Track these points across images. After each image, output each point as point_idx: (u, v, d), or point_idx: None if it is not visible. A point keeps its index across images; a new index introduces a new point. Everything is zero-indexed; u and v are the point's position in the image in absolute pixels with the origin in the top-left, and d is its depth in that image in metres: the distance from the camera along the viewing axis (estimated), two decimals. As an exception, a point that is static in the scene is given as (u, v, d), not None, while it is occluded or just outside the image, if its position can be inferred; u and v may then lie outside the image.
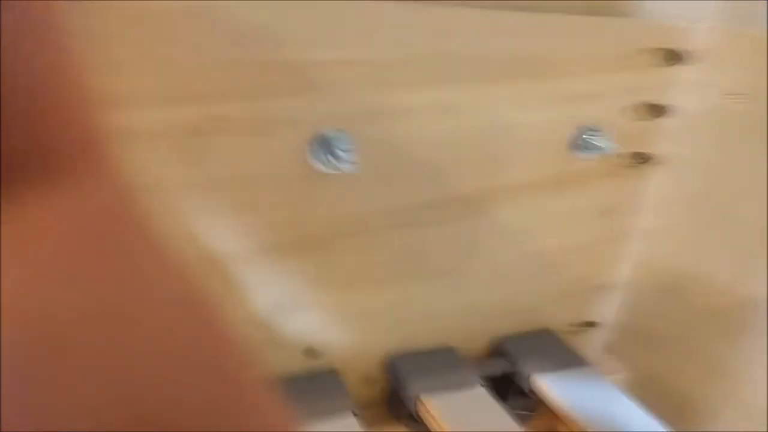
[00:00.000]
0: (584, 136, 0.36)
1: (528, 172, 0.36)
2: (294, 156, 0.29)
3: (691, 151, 0.40)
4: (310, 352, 0.36)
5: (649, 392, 0.44)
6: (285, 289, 0.33)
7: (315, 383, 0.35)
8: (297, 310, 0.34)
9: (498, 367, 0.40)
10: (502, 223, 0.37)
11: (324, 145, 0.29)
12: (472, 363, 0.39)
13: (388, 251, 0.35)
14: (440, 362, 0.38)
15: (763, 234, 0.36)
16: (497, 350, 0.41)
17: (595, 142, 0.36)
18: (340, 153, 0.28)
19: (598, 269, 0.43)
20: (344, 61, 0.28)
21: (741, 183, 0.37)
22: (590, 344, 0.46)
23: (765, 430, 0.33)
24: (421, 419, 0.36)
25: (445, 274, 0.37)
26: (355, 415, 0.34)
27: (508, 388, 0.40)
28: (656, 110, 0.38)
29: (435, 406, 0.35)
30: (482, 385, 0.37)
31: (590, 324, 0.45)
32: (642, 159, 0.39)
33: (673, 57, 0.37)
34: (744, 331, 0.38)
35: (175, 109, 0.26)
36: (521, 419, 0.40)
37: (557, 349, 0.41)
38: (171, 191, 0.27)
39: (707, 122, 0.38)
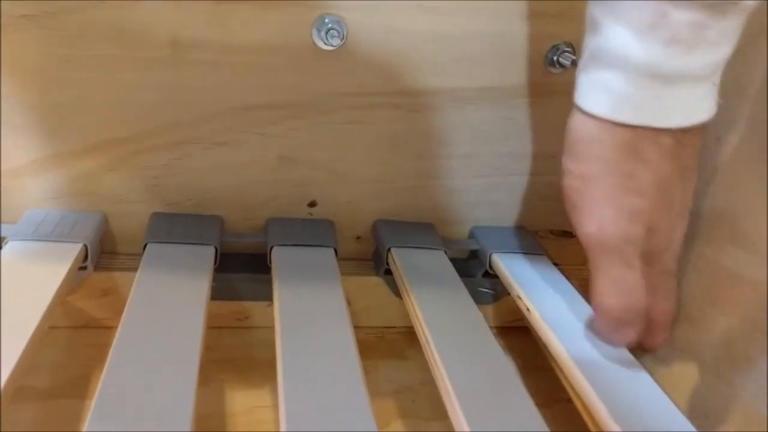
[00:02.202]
0: (560, 52, 0.42)
1: (502, 78, 0.42)
2: (301, 32, 0.38)
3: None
4: (313, 205, 0.45)
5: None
6: (292, 144, 0.42)
7: (313, 224, 0.45)
8: (302, 164, 0.43)
9: (464, 245, 0.47)
10: (476, 121, 0.44)
11: (323, 25, 0.37)
12: (443, 237, 0.47)
13: (377, 127, 0.43)
14: (416, 230, 0.46)
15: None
16: (471, 235, 0.48)
17: (569, 59, 0.41)
18: (333, 32, 0.37)
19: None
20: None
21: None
22: (567, 253, 0.51)
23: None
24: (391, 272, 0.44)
25: (424, 157, 0.45)
26: (335, 251, 0.43)
27: (479, 270, 0.48)
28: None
29: (399, 256, 0.43)
30: (444, 251, 0.45)
31: (568, 234, 0.51)
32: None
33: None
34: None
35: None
36: (484, 296, 0.48)
37: (523, 241, 0.47)
38: (204, 45, 0.37)
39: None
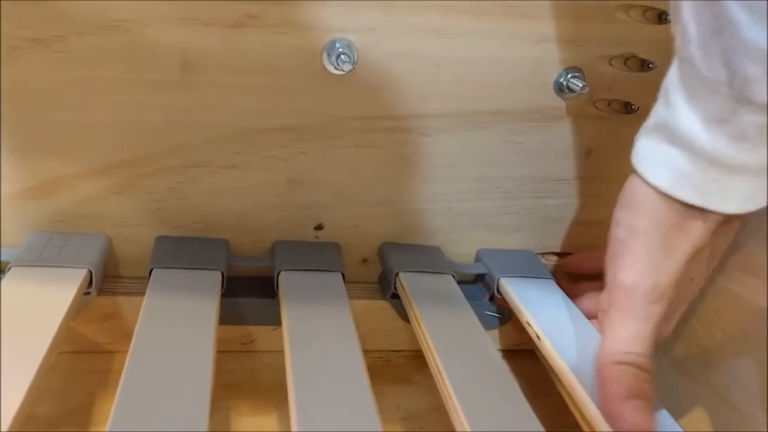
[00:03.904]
0: (569, 77, 0.42)
1: (511, 103, 0.43)
2: (311, 56, 0.38)
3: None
4: (320, 228, 0.45)
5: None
6: (301, 167, 0.42)
7: (320, 248, 0.45)
8: (310, 187, 0.43)
9: (472, 269, 0.47)
10: (484, 145, 0.44)
11: (333, 50, 0.37)
12: (450, 261, 0.47)
13: (385, 150, 0.43)
14: (424, 254, 0.46)
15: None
16: (478, 258, 0.48)
17: (578, 84, 0.41)
18: (344, 57, 0.37)
19: (583, 205, 0.48)
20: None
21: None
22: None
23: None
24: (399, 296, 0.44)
25: (432, 180, 0.45)
26: (343, 275, 0.42)
27: (485, 293, 0.47)
28: (644, 64, 0.43)
29: (407, 280, 0.43)
30: (453, 276, 0.44)
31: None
32: (628, 109, 0.45)
33: (662, 17, 0.42)
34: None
35: (221, 6, 0.36)
36: (490, 320, 0.47)
37: (530, 265, 0.47)
38: (215, 68, 0.37)
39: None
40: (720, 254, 0.37)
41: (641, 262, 0.33)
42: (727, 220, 0.33)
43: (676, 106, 0.31)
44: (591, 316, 0.41)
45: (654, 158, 0.32)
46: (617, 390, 0.31)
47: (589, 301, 0.42)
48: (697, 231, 0.32)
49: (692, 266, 0.34)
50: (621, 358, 0.32)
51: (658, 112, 0.33)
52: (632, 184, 0.34)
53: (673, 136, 0.31)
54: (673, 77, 0.31)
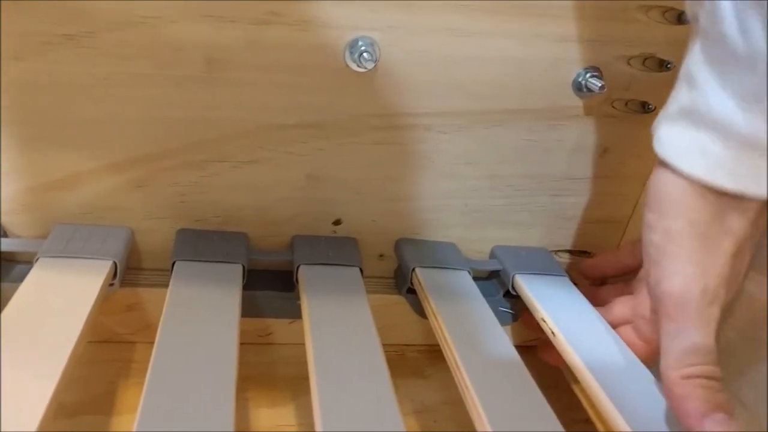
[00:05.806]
0: (587, 77, 0.42)
1: (529, 101, 0.43)
2: (333, 54, 0.38)
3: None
4: (338, 223, 0.46)
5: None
6: (320, 163, 0.43)
7: (338, 242, 0.45)
8: (329, 183, 0.44)
9: (488, 265, 0.48)
10: (501, 143, 0.44)
11: (356, 48, 0.38)
12: (466, 257, 0.47)
13: (403, 148, 0.43)
14: (439, 250, 0.47)
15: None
16: (492, 255, 0.49)
17: (596, 84, 0.42)
18: (366, 55, 0.37)
19: (598, 203, 0.49)
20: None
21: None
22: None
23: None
24: (415, 291, 0.45)
25: (448, 177, 0.45)
26: (361, 270, 0.43)
27: (499, 290, 0.48)
28: (662, 64, 0.43)
29: (423, 275, 0.43)
30: (468, 272, 0.45)
31: (586, 254, 0.51)
32: (645, 108, 0.45)
33: (681, 17, 0.42)
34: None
35: (245, 3, 0.36)
36: (504, 316, 0.48)
37: (544, 261, 0.48)
38: (238, 65, 0.38)
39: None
40: (755, 244, 0.34)
41: (684, 267, 0.31)
42: (763, 206, 0.31)
43: (708, 89, 0.29)
44: (624, 323, 0.40)
45: (684, 146, 0.30)
46: (695, 407, 0.29)
47: (621, 306, 0.41)
48: (736, 223, 0.31)
49: (737, 261, 0.32)
50: (690, 371, 0.30)
51: (680, 97, 0.31)
52: (659, 182, 0.32)
53: (703, 121, 0.29)
54: (697, 59, 0.30)
